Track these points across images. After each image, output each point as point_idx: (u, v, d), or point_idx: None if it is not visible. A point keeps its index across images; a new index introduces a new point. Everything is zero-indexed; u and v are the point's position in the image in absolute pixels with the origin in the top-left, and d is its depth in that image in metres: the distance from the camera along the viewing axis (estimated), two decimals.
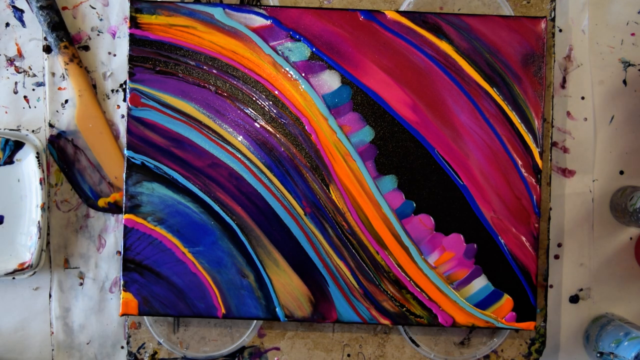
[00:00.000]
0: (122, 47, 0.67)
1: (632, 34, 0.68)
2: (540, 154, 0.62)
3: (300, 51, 0.62)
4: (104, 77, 0.67)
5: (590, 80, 0.67)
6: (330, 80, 0.62)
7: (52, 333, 0.67)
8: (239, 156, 0.62)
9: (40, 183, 0.64)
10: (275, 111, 0.62)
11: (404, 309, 0.62)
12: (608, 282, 0.68)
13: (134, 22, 0.62)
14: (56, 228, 0.67)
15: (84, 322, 0.67)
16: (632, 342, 0.61)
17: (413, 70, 0.62)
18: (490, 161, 0.62)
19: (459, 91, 0.62)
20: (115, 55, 0.67)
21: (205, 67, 0.62)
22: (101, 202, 0.66)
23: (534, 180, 0.62)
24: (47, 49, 0.66)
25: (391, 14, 0.62)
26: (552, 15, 0.65)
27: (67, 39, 0.65)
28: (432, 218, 0.62)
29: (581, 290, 0.68)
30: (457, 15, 0.62)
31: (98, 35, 0.67)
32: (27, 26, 0.67)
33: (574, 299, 0.68)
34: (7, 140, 0.64)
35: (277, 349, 0.66)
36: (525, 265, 0.62)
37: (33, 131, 0.67)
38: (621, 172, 0.68)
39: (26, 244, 0.65)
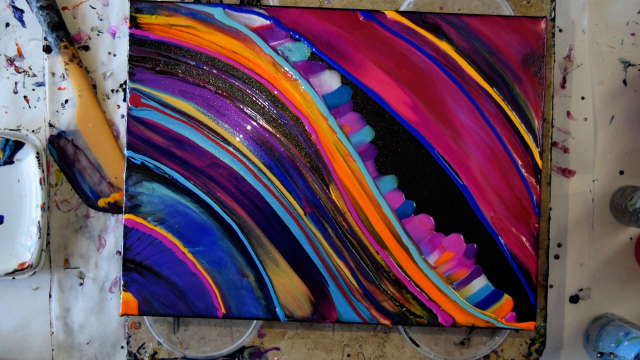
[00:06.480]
0: (122, 47, 0.67)
1: (632, 34, 0.68)
2: (540, 154, 0.62)
3: (300, 51, 0.62)
4: (104, 77, 0.67)
5: (590, 80, 0.67)
6: (330, 80, 0.62)
7: (52, 333, 0.67)
8: (239, 156, 0.62)
9: (40, 183, 0.64)
10: (275, 111, 0.62)
11: (404, 309, 0.62)
12: (608, 282, 0.68)
13: (134, 22, 0.62)
14: (56, 228, 0.67)
15: (84, 322, 0.67)
16: (632, 342, 0.61)
17: (413, 70, 0.62)
18: (490, 161, 0.62)
19: (459, 91, 0.62)
20: (115, 55, 0.67)
21: (205, 67, 0.62)
22: (101, 202, 0.66)
23: (534, 180, 0.62)
24: (47, 49, 0.66)
25: (391, 14, 0.62)
26: (552, 15, 0.65)
27: (67, 39, 0.65)
28: (432, 218, 0.62)
29: (581, 290, 0.68)
30: (457, 15, 0.62)
31: (98, 35, 0.67)
32: (27, 26, 0.67)
33: (574, 299, 0.68)
34: (7, 140, 0.64)
35: (277, 349, 0.66)
36: (525, 265, 0.62)
37: (33, 131, 0.67)
38: (621, 172, 0.68)
39: (26, 244, 0.65)
